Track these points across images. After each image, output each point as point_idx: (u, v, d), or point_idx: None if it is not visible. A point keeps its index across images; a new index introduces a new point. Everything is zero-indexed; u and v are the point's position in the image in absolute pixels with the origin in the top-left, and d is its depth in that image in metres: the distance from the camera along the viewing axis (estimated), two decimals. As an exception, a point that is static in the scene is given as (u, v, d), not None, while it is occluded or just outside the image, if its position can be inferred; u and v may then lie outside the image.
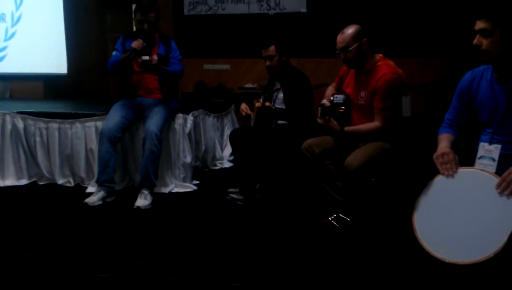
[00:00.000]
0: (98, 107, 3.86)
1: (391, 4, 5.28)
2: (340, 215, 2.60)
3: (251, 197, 3.13)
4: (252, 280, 2.05)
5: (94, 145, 3.47)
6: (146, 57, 3.10)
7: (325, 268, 2.15)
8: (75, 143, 3.53)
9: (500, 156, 1.85)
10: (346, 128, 2.54)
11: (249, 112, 3.19)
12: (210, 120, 4.11)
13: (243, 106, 3.21)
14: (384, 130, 2.52)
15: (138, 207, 3.01)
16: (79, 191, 3.43)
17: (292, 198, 3.12)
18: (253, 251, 2.37)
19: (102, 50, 6.06)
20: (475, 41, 1.88)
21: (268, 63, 3.11)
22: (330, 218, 2.61)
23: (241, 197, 3.11)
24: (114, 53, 3.29)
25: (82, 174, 3.55)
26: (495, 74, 1.93)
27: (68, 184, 3.57)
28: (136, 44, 3.08)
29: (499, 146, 1.86)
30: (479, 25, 1.85)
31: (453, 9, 5.15)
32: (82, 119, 3.53)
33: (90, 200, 3.06)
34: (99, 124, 3.45)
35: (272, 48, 3.08)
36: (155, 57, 3.21)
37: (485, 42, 1.85)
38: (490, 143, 1.90)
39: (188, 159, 3.51)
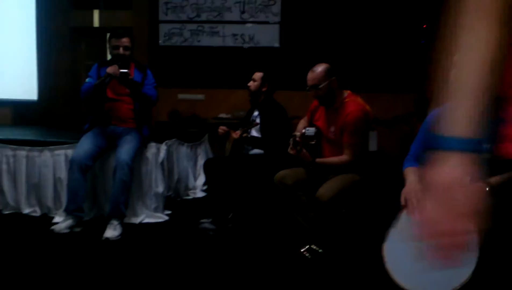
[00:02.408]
0: (69, 135, 3.80)
1: (361, 41, 5.52)
2: (312, 246, 2.62)
3: (223, 226, 3.11)
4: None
5: (63, 174, 3.39)
6: (125, 70, 3.08)
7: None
8: (43, 172, 3.44)
9: None
10: (317, 160, 2.61)
11: (227, 129, 3.24)
12: (184, 149, 4.11)
13: (221, 128, 3.30)
14: (352, 163, 2.60)
15: (107, 238, 2.93)
16: (46, 221, 3.31)
17: (265, 229, 3.12)
18: (226, 282, 2.34)
19: (75, 77, 6.00)
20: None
21: (249, 83, 3.30)
22: (302, 249, 2.63)
23: (213, 227, 3.08)
24: (87, 80, 3.27)
25: (50, 203, 3.45)
26: None
27: (34, 214, 3.45)
28: (111, 69, 3.08)
29: None
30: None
31: (418, 48, 5.44)
32: (51, 147, 3.46)
33: (57, 227, 2.98)
34: (69, 152, 3.39)
35: (261, 74, 3.27)
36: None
37: None
38: None
39: (160, 188, 3.48)
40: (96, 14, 6.09)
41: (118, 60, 3.15)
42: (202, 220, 3.16)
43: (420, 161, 2.17)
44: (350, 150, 2.59)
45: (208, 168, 3.21)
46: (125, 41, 3.18)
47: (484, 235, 1.69)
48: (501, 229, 1.75)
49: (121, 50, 3.17)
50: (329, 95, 2.67)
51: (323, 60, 2.75)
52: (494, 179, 1.82)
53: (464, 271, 1.69)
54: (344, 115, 2.62)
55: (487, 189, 1.78)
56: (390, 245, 1.91)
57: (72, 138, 3.51)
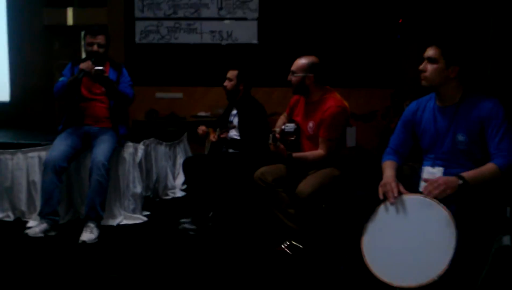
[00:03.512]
0: (43, 136, 3.69)
1: (339, 37, 5.55)
2: (293, 242, 2.61)
3: (204, 225, 3.08)
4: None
5: (36, 177, 3.29)
6: (100, 67, 3.03)
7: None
8: (16, 175, 3.34)
9: None
10: (294, 154, 2.60)
11: (206, 130, 3.22)
12: (162, 149, 4.05)
13: (201, 129, 3.27)
14: (327, 159, 2.61)
15: (84, 241, 2.86)
16: (20, 225, 3.21)
17: (245, 227, 3.10)
18: (208, 281, 2.31)
19: (48, 77, 5.85)
20: (421, 66, 2.01)
21: (225, 83, 3.23)
22: (283, 246, 2.62)
23: (193, 227, 3.05)
24: (61, 78, 3.20)
25: (23, 207, 3.34)
26: (437, 102, 2.06)
27: (7, 218, 3.34)
28: (84, 65, 3.03)
29: (441, 169, 1.97)
30: (428, 52, 1.99)
31: (395, 44, 5.50)
32: (24, 149, 3.36)
33: (31, 231, 2.89)
34: (43, 154, 3.30)
35: (236, 72, 3.21)
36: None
37: (429, 69, 1.98)
38: (433, 167, 2.01)
39: (138, 189, 3.42)
40: (70, 11, 5.95)
41: (92, 57, 3.10)
42: (182, 220, 3.12)
43: (399, 153, 2.19)
44: (325, 145, 2.60)
45: (187, 167, 3.17)
46: (100, 38, 3.13)
47: (461, 229, 1.71)
48: (475, 224, 1.78)
49: (95, 47, 3.12)
50: (300, 87, 2.70)
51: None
52: (467, 174, 1.85)
53: (441, 263, 1.71)
54: (322, 111, 2.63)
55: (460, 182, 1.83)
56: (368, 238, 1.92)
57: (46, 140, 3.42)
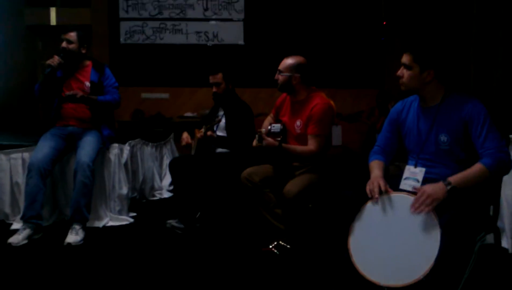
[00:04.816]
0: (26, 137, 3.64)
1: (324, 38, 5.59)
2: (280, 242, 2.62)
3: (191, 226, 3.07)
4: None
5: (20, 178, 3.24)
6: (69, 93, 3.06)
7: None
8: (-2, 176, 3.28)
9: (425, 179, 1.98)
10: (283, 145, 2.61)
11: (189, 141, 3.20)
12: (148, 149, 4.02)
13: (185, 135, 3.24)
14: (316, 155, 2.63)
15: (69, 244, 2.82)
16: (3, 228, 3.16)
17: (233, 227, 3.10)
18: (194, 283, 2.30)
19: (31, 78, 5.75)
20: (398, 72, 2.05)
21: (214, 89, 3.20)
22: (270, 246, 2.63)
23: (181, 226, 3.03)
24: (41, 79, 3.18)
25: (7, 209, 3.29)
26: (420, 103, 2.09)
27: (-10, 221, 3.29)
28: (50, 60, 3.04)
29: (423, 169, 2.00)
30: (403, 58, 2.03)
31: (379, 45, 5.57)
32: (7, 150, 3.30)
33: (14, 239, 2.81)
34: (26, 155, 3.25)
35: (220, 75, 3.17)
36: (87, 84, 3.16)
37: (406, 74, 2.02)
38: (415, 166, 2.04)
39: (124, 190, 3.39)
40: (53, 11, 5.87)
41: (61, 52, 3.10)
42: (169, 221, 3.10)
43: (386, 152, 2.22)
44: (315, 141, 2.61)
45: (173, 167, 3.15)
46: (70, 35, 3.14)
47: (445, 228, 1.73)
48: (459, 223, 1.80)
49: (64, 43, 3.12)
50: (284, 85, 2.72)
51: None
52: (454, 178, 1.87)
53: (426, 262, 1.74)
54: (310, 108, 2.65)
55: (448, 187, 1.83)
56: (355, 238, 1.93)
57: (29, 141, 3.38)
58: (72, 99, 3.09)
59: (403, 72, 2.03)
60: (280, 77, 2.71)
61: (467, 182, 1.85)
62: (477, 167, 1.87)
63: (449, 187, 1.83)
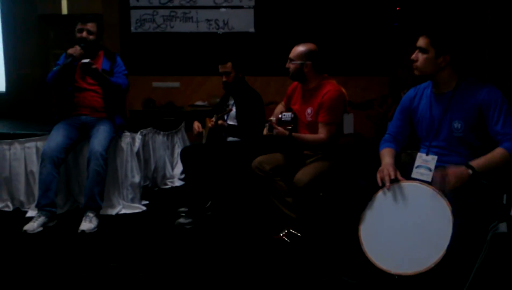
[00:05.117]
0: (39, 126, 3.68)
1: (335, 25, 5.52)
2: (291, 230, 2.63)
3: (202, 215, 3.09)
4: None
5: (34, 167, 3.29)
6: (87, 60, 3.02)
7: (278, 283, 2.16)
8: (13, 165, 3.34)
9: (436, 167, 1.96)
10: (293, 134, 2.59)
11: (201, 130, 3.20)
12: (160, 138, 4.05)
13: (196, 124, 3.22)
14: (327, 144, 2.61)
15: (83, 231, 2.87)
16: (19, 215, 3.22)
17: (243, 215, 3.11)
18: (206, 270, 2.33)
19: (44, 67, 5.80)
20: (413, 55, 2.01)
21: (224, 78, 3.18)
22: (281, 234, 2.64)
23: (189, 221, 3.02)
24: (55, 68, 3.18)
25: (22, 197, 3.35)
26: (433, 89, 2.06)
27: (6, 209, 3.35)
28: (72, 50, 3.02)
29: (435, 157, 1.98)
30: (419, 41, 1.99)
31: (392, 31, 5.47)
32: (21, 139, 3.35)
33: (30, 227, 2.87)
34: (40, 144, 3.29)
35: (229, 64, 3.14)
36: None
37: (420, 58, 1.98)
38: (427, 154, 2.01)
39: (137, 178, 3.42)
40: (64, 1, 5.88)
41: (81, 42, 3.08)
42: (180, 209, 3.13)
43: (397, 140, 2.20)
44: (326, 129, 2.60)
45: (185, 156, 3.16)
46: (90, 25, 3.12)
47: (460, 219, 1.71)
48: (472, 211, 1.79)
49: (84, 34, 3.11)
50: (297, 74, 2.69)
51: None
52: (475, 163, 1.84)
53: (438, 251, 1.73)
54: (321, 95, 2.63)
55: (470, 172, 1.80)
56: (366, 226, 1.93)
57: (42, 130, 3.41)
58: (86, 70, 3.04)
59: (418, 56, 1.99)
60: (291, 66, 2.69)
61: (489, 167, 1.82)
62: (499, 151, 1.83)
63: (471, 171, 1.80)
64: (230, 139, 3.21)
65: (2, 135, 3.40)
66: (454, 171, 1.81)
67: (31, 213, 3.18)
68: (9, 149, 3.34)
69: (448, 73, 1.99)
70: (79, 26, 3.12)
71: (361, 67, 5.50)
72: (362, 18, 5.50)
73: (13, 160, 3.33)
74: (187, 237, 2.82)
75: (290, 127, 2.66)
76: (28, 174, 3.34)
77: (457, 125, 1.96)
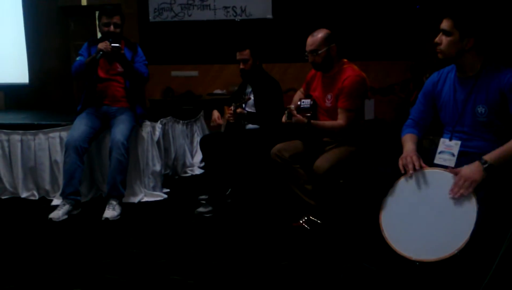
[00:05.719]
0: (62, 117, 3.76)
1: (355, 9, 5.41)
2: (311, 217, 2.63)
3: (222, 202, 3.12)
4: (226, 287, 2.04)
5: (58, 156, 3.37)
6: (116, 44, 3.06)
7: (297, 269, 2.17)
8: (38, 155, 3.42)
9: (460, 152, 1.92)
10: (312, 121, 2.56)
11: (221, 122, 3.18)
12: (179, 127, 4.08)
13: (216, 115, 3.19)
14: (346, 130, 2.57)
15: (107, 219, 2.94)
16: (44, 204, 3.32)
17: (263, 203, 3.13)
18: (226, 257, 2.36)
19: (65, 58, 5.90)
20: (437, 38, 1.96)
21: (242, 66, 3.15)
22: (301, 221, 2.64)
23: (209, 209, 3.03)
24: (78, 58, 3.24)
25: (47, 186, 3.44)
26: (457, 73, 2.01)
27: (32, 197, 3.45)
28: (102, 45, 3.05)
29: (459, 142, 1.93)
30: (443, 24, 1.94)
31: (414, 14, 5.33)
32: (45, 129, 3.43)
33: (55, 215, 2.95)
34: (64, 134, 3.36)
35: (247, 52, 3.11)
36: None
37: (444, 41, 1.93)
38: (451, 139, 1.97)
39: (158, 167, 3.47)
40: (83, -8, 5.93)
41: (110, 37, 3.11)
42: (200, 197, 3.16)
43: (420, 125, 2.15)
44: (345, 116, 2.56)
45: (204, 145, 3.18)
46: (116, 18, 3.15)
47: (482, 206, 1.67)
48: (496, 199, 1.74)
49: (111, 28, 3.14)
50: (327, 62, 2.62)
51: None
52: (490, 156, 1.79)
53: (462, 238, 1.70)
54: (341, 81, 2.58)
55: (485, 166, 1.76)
56: (387, 213, 1.91)
57: (65, 120, 3.48)
58: (114, 55, 3.08)
59: (442, 39, 1.94)
60: (317, 57, 2.60)
61: (505, 158, 1.78)
62: None
63: (486, 166, 1.76)
64: (249, 127, 3.20)
65: (27, 126, 3.49)
66: (468, 174, 1.76)
67: (56, 201, 3.27)
68: (34, 140, 3.42)
69: (472, 56, 1.93)
70: (104, 20, 3.14)
71: (382, 51, 5.38)
72: (383, 1, 5.37)
73: (38, 150, 3.42)
74: (207, 225, 2.85)
75: (309, 114, 2.63)
76: (52, 163, 3.42)
77: (481, 109, 1.91)
